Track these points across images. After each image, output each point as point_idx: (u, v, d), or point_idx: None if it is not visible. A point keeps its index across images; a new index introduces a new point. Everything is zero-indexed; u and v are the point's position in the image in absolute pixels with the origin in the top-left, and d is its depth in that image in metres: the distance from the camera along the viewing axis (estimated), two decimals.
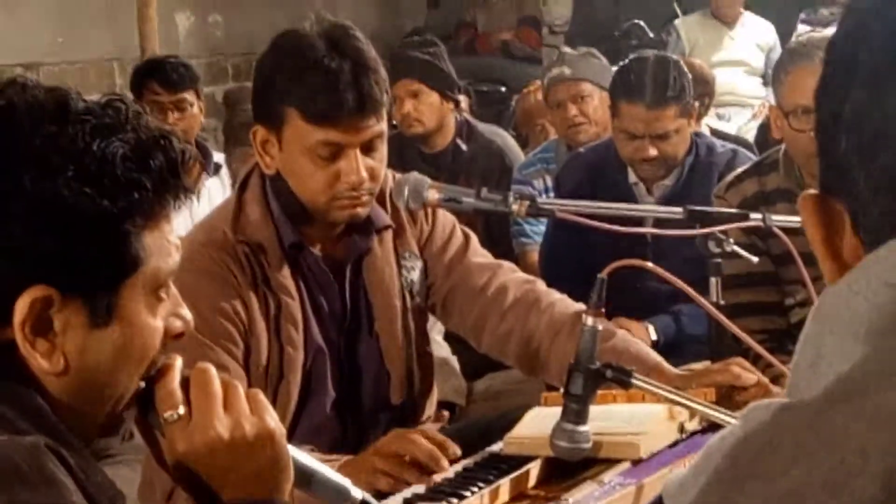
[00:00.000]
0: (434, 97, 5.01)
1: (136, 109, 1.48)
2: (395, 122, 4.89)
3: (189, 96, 5.20)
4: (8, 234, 1.38)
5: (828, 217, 0.91)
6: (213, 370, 1.55)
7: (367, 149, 2.58)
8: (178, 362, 1.56)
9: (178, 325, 1.54)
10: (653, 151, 3.87)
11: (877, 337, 0.84)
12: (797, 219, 2.77)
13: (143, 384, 1.54)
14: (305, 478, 1.62)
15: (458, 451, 2.33)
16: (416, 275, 2.79)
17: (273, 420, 1.55)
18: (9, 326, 1.41)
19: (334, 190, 2.58)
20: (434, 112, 5.02)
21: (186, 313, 1.55)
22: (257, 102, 2.65)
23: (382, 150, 2.62)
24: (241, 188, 2.70)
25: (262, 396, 1.57)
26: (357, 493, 1.65)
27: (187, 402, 1.53)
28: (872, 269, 0.86)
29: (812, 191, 0.92)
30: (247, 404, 1.55)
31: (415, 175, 2.67)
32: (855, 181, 0.88)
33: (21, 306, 1.40)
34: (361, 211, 2.61)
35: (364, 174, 2.57)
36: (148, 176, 1.44)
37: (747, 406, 0.89)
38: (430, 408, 2.89)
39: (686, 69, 4.01)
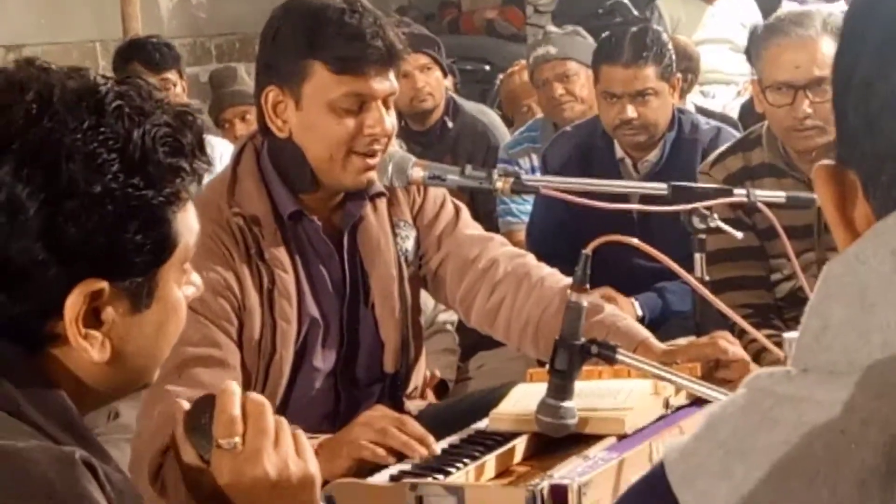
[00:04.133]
0: (438, 71, 5.03)
1: (151, 86, 1.48)
2: None
3: (172, 76, 5.21)
4: (62, 234, 1.37)
5: (840, 187, 0.91)
6: (267, 404, 1.56)
7: (385, 106, 2.60)
8: (237, 388, 1.57)
9: (190, 291, 1.55)
10: (632, 113, 3.90)
11: (882, 308, 0.85)
12: (781, 194, 2.81)
13: (186, 405, 1.56)
14: None
15: (437, 451, 2.33)
16: (410, 244, 2.79)
17: (314, 466, 1.57)
18: (51, 321, 1.41)
19: (355, 142, 2.58)
20: (440, 86, 5.05)
21: (196, 278, 1.56)
22: (269, 65, 2.64)
23: (393, 113, 2.64)
24: (234, 162, 2.70)
25: (304, 438, 1.58)
26: None
27: (242, 432, 1.54)
28: (879, 238, 0.86)
29: (827, 161, 0.92)
30: (293, 445, 1.56)
31: (399, 152, 2.67)
32: (863, 150, 0.88)
33: (73, 302, 1.39)
34: (373, 175, 2.61)
35: (388, 126, 2.58)
36: (185, 159, 1.45)
37: (750, 374, 0.90)
38: (418, 379, 2.89)
39: (666, 39, 4.05)
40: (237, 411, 1.54)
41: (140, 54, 5.25)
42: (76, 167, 1.37)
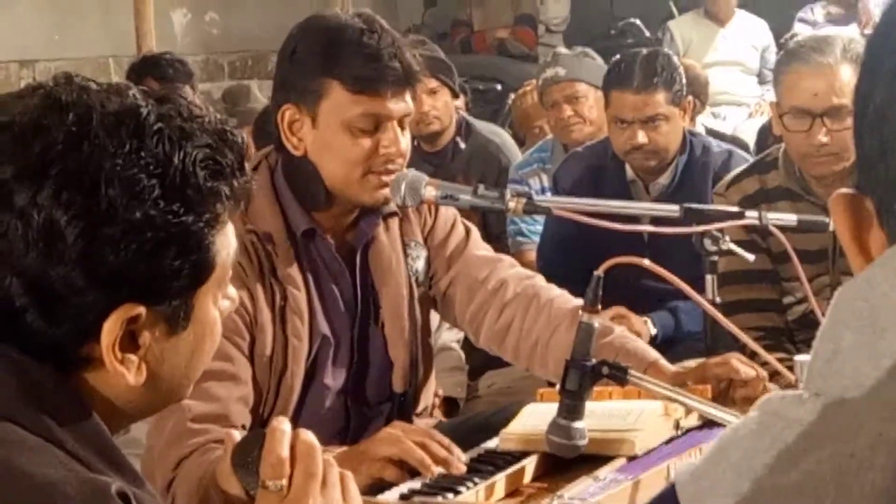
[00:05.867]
0: (447, 94, 5.04)
1: (192, 104, 1.46)
2: None
3: (187, 91, 5.25)
4: (101, 261, 1.36)
5: (857, 214, 0.91)
6: (317, 445, 1.54)
7: (401, 126, 2.61)
8: (287, 427, 1.54)
9: (226, 305, 1.53)
10: (643, 138, 3.90)
11: (894, 333, 0.85)
12: (793, 217, 2.81)
13: (237, 436, 1.55)
14: None
15: (463, 459, 2.33)
16: (420, 264, 2.80)
17: None
18: (87, 344, 1.39)
19: (371, 162, 2.59)
20: (448, 109, 5.05)
21: (232, 291, 1.54)
22: (286, 83, 2.65)
23: (408, 133, 2.65)
24: None
25: (352, 483, 1.56)
26: None
27: (289, 474, 1.52)
28: (890, 264, 0.87)
29: (845, 189, 0.93)
30: (340, 490, 1.54)
31: (412, 171, 2.68)
32: (878, 177, 0.89)
33: (110, 327, 1.38)
34: (388, 192, 2.62)
35: (403, 146, 2.60)
36: (224, 181, 1.43)
37: (763, 397, 0.90)
38: (427, 399, 2.90)
39: (677, 63, 4.06)
40: (285, 452, 1.51)
41: (154, 70, 5.29)
42: (116, 193, 1.35)
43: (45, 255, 1.35)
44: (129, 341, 1.40)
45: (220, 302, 1.50)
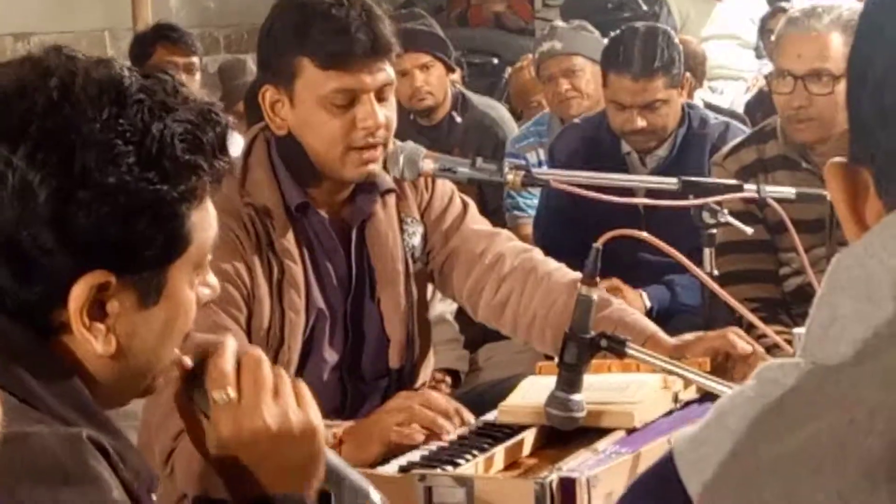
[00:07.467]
0: (440, 68, 5.03)
1: (176, 81, 1.47)
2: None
3: (196, 61, 5.30)
4: (72, 223, 1.37)
5: (852, 182, 0.91)
6: (264, 357, 1.55)
7: (380, 98, 2.59)
8: (232, 343, 1.56)
9: (206, 293, 1.54)
10: (641, 122, 3.90)
11: (890, 300, 0.85)
12: (791, 190, 2.81)
13: (189, 361, 1.55)
14: (333, 477, 1.60)
15: (472, 419, 2.34)
16: (417, 240, 2.80)
17: (317, 416, 1.56)
18: (59, 310, 1.40)
19: (350, 138, 2.58)
20: (442, 84, 5.05)
21: (213, 280, 1.55)
22: (265, 63, 2.66)
23: (393, 101, 2.64)
24: (246, 153, 2.70)
25: (306, 390, 1.57)
26: (376, 497, 1.64)
27: (237, 386, 1.53)
28: (888, 232, 0.87)
29: (839, 158, 0.93)
30: (293, 396, 1.55)
31: (410, 144, 2.67)
32: (876, 145, 0.89)
33: (78, 293, 1.39)
34: (373, 168, 2.61)
35: (381, 119, 2.58)
36: (203, 156, 1.44)
37: (759, 366, 0.90)
38: (426, 374, 2.90)
39: (676, 42, 4.04)
40: (228, 366, 1.53)
41: (172, 35, 5.33)
42: (91, 157, 1.37)
43: (16, 213, 1.37)
44: (98, 310, 1.41)
45: (197, 287, 1.51)
